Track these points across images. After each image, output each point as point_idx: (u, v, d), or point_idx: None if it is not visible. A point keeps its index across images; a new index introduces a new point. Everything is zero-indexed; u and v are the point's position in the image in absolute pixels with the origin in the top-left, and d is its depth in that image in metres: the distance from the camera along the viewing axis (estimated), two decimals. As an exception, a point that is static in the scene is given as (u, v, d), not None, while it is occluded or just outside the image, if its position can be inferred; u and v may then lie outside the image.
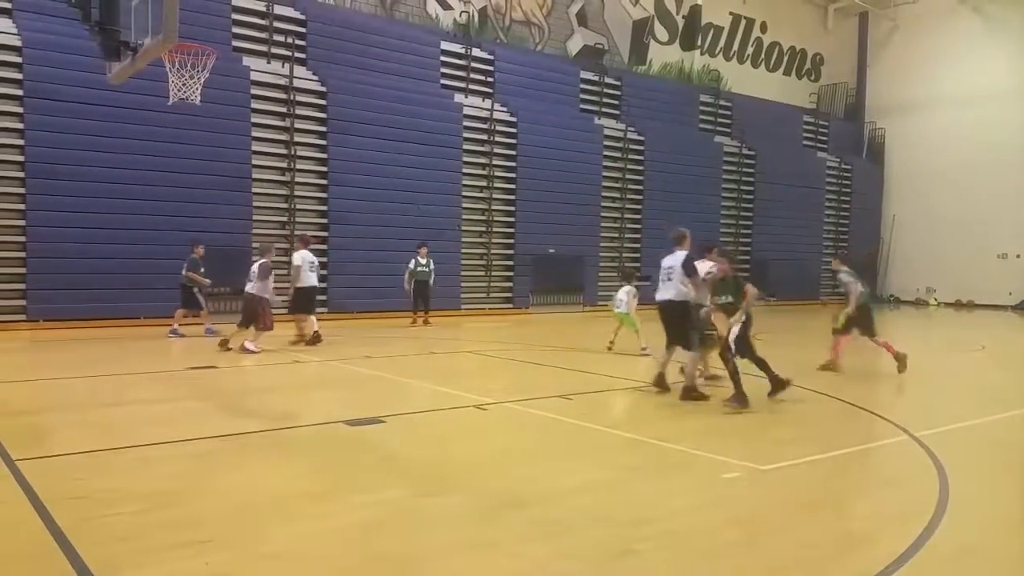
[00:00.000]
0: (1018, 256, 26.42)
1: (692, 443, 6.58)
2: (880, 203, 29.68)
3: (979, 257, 26.62)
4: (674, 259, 8.62)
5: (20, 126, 13.76)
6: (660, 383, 8.70)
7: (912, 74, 28.52)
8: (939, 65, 27.69)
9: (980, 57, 26.90)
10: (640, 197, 22.57)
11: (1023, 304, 26.09)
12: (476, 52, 20.07)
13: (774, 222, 25.58)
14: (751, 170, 25.43)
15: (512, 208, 19.98)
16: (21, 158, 13.78)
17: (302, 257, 12.41)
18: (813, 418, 8.18)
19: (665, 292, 8.62)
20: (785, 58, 29.00)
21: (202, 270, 13.21)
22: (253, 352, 10.82)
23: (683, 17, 25.30)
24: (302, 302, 12.35)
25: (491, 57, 20.28)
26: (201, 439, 6.39)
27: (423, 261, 15.62)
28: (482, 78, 20.15)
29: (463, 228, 19.02)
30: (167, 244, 14.79)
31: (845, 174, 28.56)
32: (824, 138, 28.72)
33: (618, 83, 22.93)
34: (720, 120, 25.54)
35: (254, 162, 16.12)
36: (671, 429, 7.09)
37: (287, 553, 4.12)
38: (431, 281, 15.75)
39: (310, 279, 12.33)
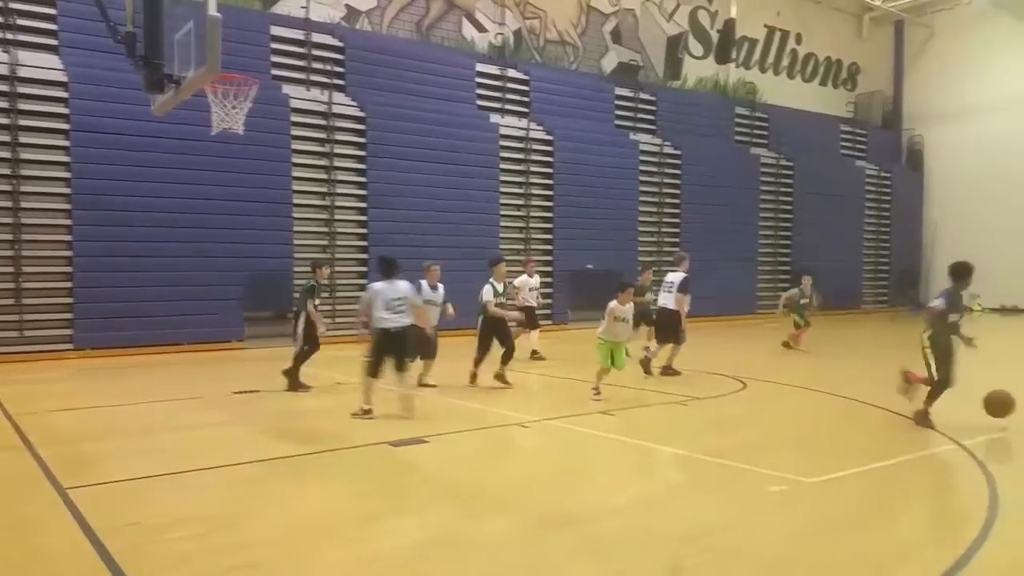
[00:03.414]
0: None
1: (737, 456, 6.50)
2: (921, 210, 29.09)
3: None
4: (675, 276, 11.36)
5: (67, 159, 14.17)
6: (647, 367, 11.15)
7: (950, 81, 27.99)
8: (977, 71, 27.13)
9: (1019, 62, 26.30)
10: (678, 211, 22.44)
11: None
12: (511, 73, 20.24)
13: (814, 232, 25.18)
14: (789, 181, 25.12)
15: (550, 225, 20.02)
16: (68, 190, 14.15)
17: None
18: (858, 428, 8.03)
19: (666, 301, 11.29)
20: (821, 68, 28.68)
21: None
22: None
23: (717, 31, 25.20)
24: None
25: (526, 77, 20.43)
26: (248, 463, 6.48)
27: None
28: (518, 98, 20.29)
29: (502, 247, 19.07)
30: (211, 271, 15.12)
31: (884, 182, 28.07)
32: (862, 147, 28.29)
33: (653, 99, 22.90)
34: (757, 132, 25.32)
35: (295, 188, 16.39)
36: (715, 443, 7.01)
37: None
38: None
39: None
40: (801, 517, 5.12)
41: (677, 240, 22.31)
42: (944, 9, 28.04)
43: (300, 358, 10.03)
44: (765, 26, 26.79)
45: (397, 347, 8.20)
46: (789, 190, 25.08)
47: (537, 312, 13.98)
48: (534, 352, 13.35)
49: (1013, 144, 26.05)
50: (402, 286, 8.33)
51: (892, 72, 29.97)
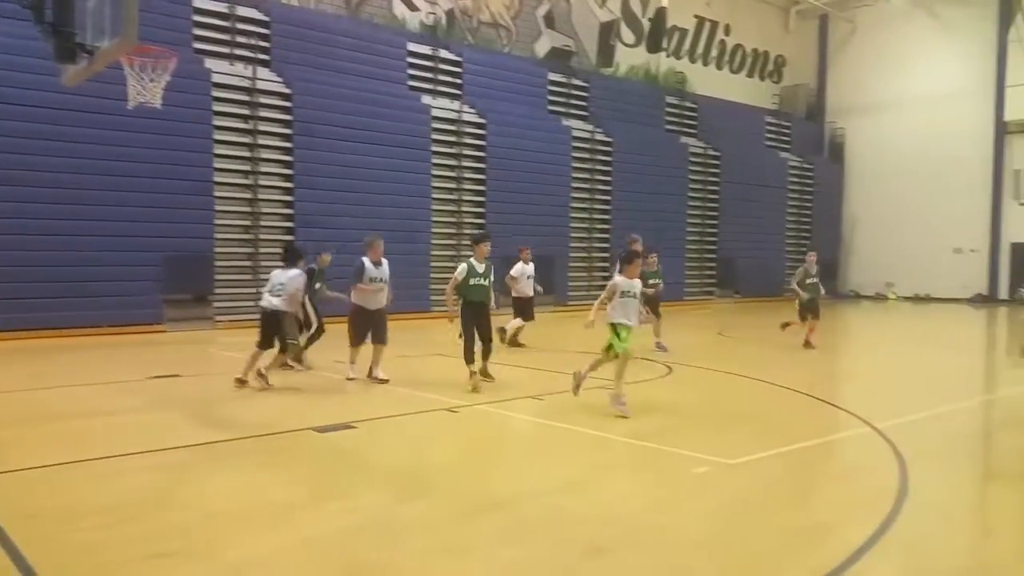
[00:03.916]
0: (972, 251, 27.11)
1: (662, 439, 6.63)
2: (840, 201, 30.26)
3: (935, 252, 27.28)
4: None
5: (-29, 131, 13.36)
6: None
7: (870, 75, 29.12)
8: (895, 66, 28.32)
9: (934, 58, 27.58)
10: (609, 198, 22.70)
11: (977, 297, 26.76)
12: (444, 53, 20.02)
13: (739, 221, 25.91)
14: (716, 170, 25.73)
15: (482, 210, 19.96)
16: (-29, 164, 13.37)
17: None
18: (779, 411, 8.31)
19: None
20: (748, 60, 29.40)
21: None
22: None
23: (649, 19, 25.50)
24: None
25: (459, 59, 20.25)
26: (167, 450, 6.25)
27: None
28: (450, 79, 20.10)
29: (433, 231, 18.94)
30: (128, 251, 14.52)
31: (807, 173, 29.04)
32: (786, 138, 29.18)
33: (586, 85, 23.05)
34: (686, 121, 25.81)
35: (216, 165, 15.85)
36: (642, 426, 7.12)
37: (259, 564, 4.05)
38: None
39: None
40: (723, 497, 5.25)
41: (609, 226, 22.59)
42: (866, 5, 29.11)
43: (310, 340, 10.26)
44: (695, 16, 27.27)
45: (264, 326, 8.94)
46: (716, 179, 25.68)
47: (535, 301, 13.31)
48: (512, 339, 12.73)
49: (927, 137, 27.39)
50: (287, 274, 8.93)
51: (816, 65, 30.97)
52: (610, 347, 7.56)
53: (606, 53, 24.73)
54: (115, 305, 14.42)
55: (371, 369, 9.28)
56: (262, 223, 16.54)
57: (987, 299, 26.64)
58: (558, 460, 6.33)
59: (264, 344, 8.98)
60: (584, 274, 22.11)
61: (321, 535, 4.42)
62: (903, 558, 4.26)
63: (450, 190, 19.54)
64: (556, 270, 20.77)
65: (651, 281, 11.52)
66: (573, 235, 21.76)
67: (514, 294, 12.97)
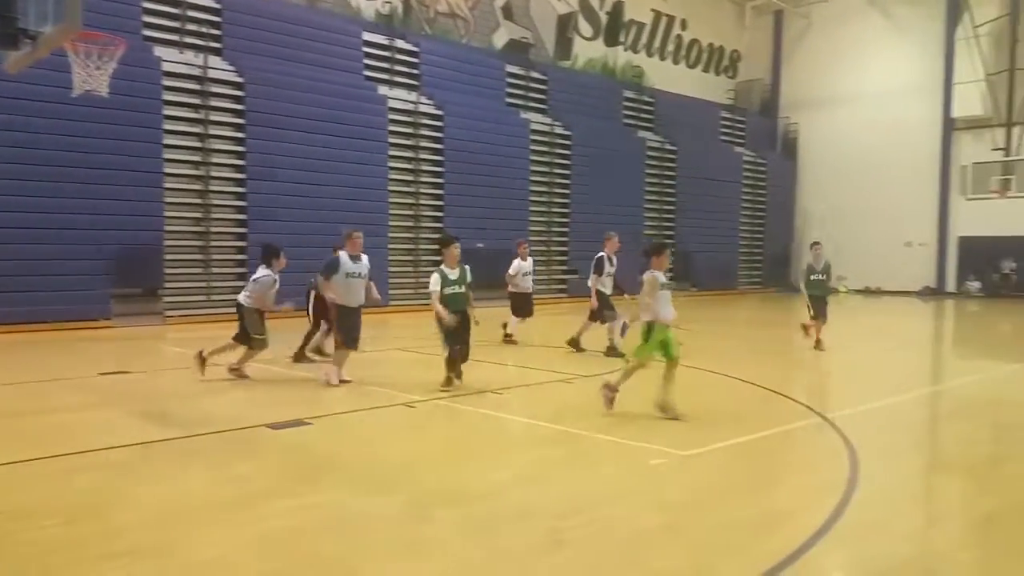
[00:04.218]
0: (921, 244, 27.91)
1: (619, 432, 6.68)
2: (793, 195, 30.84)
3: (886, 246, 28.00)
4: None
5: (-93, 119, 12.83)
6: (576, 345, 11.58)
7: (824, 71, 29.72)
8: (849, 62, 28.94)
9: (886, 56, 28.25)
10: (568, 191, 22.76)
11: (925, 290, 27.57)
12: (400, 44, 19.83)
13: (695, 215, 26.24)
14: (673, 164, 25.99)
15: (440, 202, 19.84)
16: (-91, 153, 12.84)
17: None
18: (732, 403, 8.43)
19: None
20: (704, 55, 29.73)
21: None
22: None
23: (606, 13, 25.61)
24: None
25: (416, 49, 20.07)
26: (118, 448, 6.08)
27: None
28: (407, 70, 19.92)
29: (390, 223, 18.78)
30: (73, 244, 14.10)
31: (760, 168, 29.51)
32: (741, 133, 29.62)
33: (544, 78, 23.06)
34: (643, 115, 26.00)
35: (166, 156, 15.46)
36: (600, 420, 7.16)
37: (215, 561, 3.98)
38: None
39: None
40: (679, 488, 5.32)
41: (567, 220, 22.67)
42: (821, 1, 29.65)
43: (308, 337, 10.47)
44: (652, 10, 27.47)
45: (238, 319, 9.10)
46: (672, 174, 25.94)
47: (532, 298, 13.02)
48: (507, 335, 12.49)
49: (878, 133, 28.07)
50: (258, 273, 9.07)
51: (771, 61, 31.46)
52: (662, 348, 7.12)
53: (564, 46, 24.78)
54: (60, 300, 13.98)
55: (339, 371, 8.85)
56: (214, 215, 16.20)
57: (935, 292, 27.46)
58: (516, 454, 6.34)
59: (239, 337, 9.03)
60: (543, 267, 22.14)
61: (276, 533, 4.36)
62: (854, 545, 4.37)
63: (407, 182, 19.38)
64: (515, 263, 20.78)
65: None
66: (532, 228, 21.76)
67: (511, 290, 12.76)
